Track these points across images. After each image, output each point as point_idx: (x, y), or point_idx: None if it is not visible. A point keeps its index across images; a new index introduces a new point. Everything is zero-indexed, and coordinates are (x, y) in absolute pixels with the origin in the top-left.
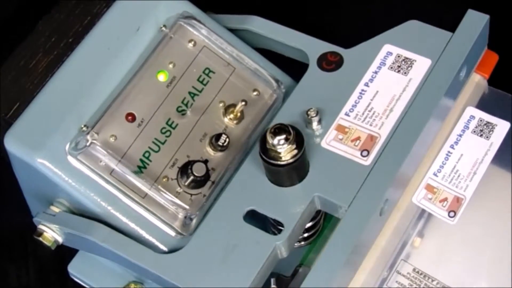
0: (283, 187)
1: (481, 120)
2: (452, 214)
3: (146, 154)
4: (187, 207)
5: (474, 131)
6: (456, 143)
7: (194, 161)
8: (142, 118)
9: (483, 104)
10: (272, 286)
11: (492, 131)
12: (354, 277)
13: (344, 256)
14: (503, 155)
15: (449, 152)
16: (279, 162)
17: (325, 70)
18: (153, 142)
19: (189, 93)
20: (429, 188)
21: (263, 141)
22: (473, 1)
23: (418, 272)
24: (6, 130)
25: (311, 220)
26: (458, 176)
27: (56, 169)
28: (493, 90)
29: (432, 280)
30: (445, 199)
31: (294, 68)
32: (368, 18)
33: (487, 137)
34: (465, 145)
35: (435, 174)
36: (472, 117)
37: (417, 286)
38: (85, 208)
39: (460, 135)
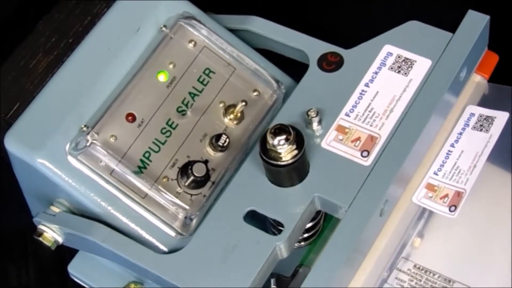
0: (283, 187)
1: (480, 116)
2: (452, 208)
3: (146, 154)
4: (187, 207)
5: (474, 127)
6: (457, 141)
7: (194, 162)
8: (142, 118)
9: (484, 99)
10: (272, 286)
11: (492, 123)
12: (354, 277)
13: (344, 257)
14: (503, 155)
15: (449, 151)
16: (279, 163)
17: (325, 70)
18: (153, 143)
19: (189, 93)
20: (430, 187)
21: (263, 141)
22: (473, 1)
23: (419, 268)
24: (6, 130)
25: (311, 221)
26: (459, 172)
27: (56, 169)
28: (493, 86)
29: (434, 275)
30: (446, 195)
31: (294, 68)
32: (368, 18)
33: (486, 130)
34: (465, 142)
35: (435, 173)
36: (472, 114)
37: (418, 281)
38: (85, 208)
39: (461, 133)
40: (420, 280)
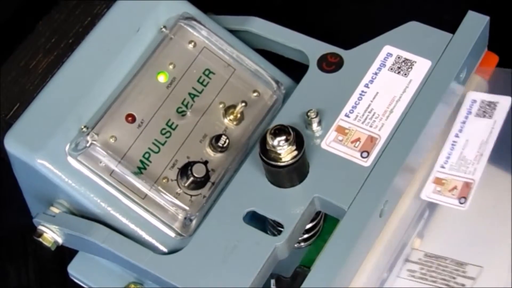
0: (283, 188)
1: (482, 102)
2: (462, 200)
3: (146, 155)
4: (187, 208)
5: (477, 114)
6: (461, 130)
7: (194, 162)
8: (142, 119)
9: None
10: (272, 287)
11: (495, 109)
12: (354, 278)
13: (344, 257)
14: (502, 155)
15: (454, 141)
16: (279, 163)
17: (325, 71)
18: (153, 143)
19: (189, 94)
20: (437, 181)
21: (263, 142)
22: (473, 2)
23: (430, 256)
24: (6, 131)
25: (311, 221)
26: (466, 162)
27: (56, 170)
28: (497, 70)
29: (445, 260)
30: (455, 187)
31: (294, 69)
32: (368, 19)
33: (490, 116)
34: (469, 130)
35: (442, 167)
36: (474, 101)
37: (429, 268)
38: (85, 209)
39: (464, 122)
40: (431, 267)
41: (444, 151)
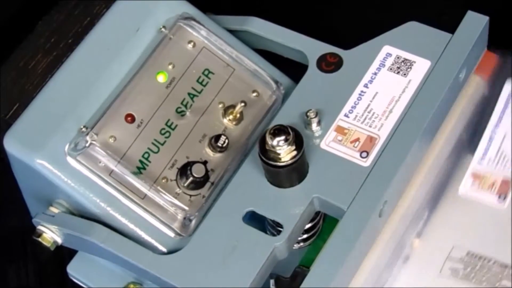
0: (283, 188)
1: None
2: (502, 197)
3: (146, 155)
4: (186, 208)
5: None
6: (497, 125)
7: (194, 162)
8: (142, 119)
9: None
10: (271, 287)
11: None
12: (353, 278)
13: (343, 257)
14: None
15: (491, 137)
16: (278, 163)
17: (324, 71)
18: (153, 143)
19: (189, 94)
20: (475, 176)
21: (263, 142)
22: (473, 2)
23: (472, 255)
24: (6, 131)
25: (310, 221)
26: (504, 157)
27: (55, 170)
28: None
29: (488, 261)
30: (493, 184)
31: (293, 69)
32: (367, 19)
33: None
34: (507, 124)
35: (479, 163)
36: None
37: (473, 269)
38: (84, 209)
39: (501, 117)
40: (475, 267)
41: (481, 145)
